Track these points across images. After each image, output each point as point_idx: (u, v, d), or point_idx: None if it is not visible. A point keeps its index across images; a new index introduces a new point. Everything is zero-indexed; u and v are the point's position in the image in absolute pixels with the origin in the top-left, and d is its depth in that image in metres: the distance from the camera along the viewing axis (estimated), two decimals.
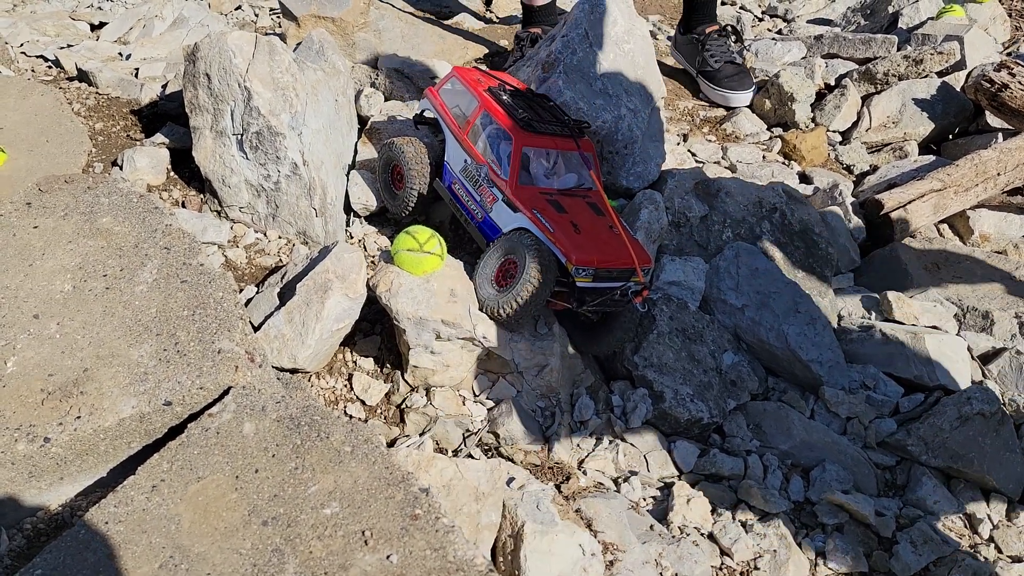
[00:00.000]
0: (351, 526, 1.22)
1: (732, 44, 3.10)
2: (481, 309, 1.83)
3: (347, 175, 2.23)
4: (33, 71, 2.61)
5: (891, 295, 2.29)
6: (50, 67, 2.66)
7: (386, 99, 2.54)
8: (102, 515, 1.21)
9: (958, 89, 3.01)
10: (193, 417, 1.38)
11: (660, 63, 2.66)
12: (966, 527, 1.87)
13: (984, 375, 2.17)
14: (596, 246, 1.78)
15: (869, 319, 2.30)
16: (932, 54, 3.01)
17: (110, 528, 1.20)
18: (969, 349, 2.19)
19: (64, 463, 1.32)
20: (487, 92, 2.01)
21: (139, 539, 1.19)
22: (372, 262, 2.07)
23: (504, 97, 1.99)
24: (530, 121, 1.91)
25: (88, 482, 1.37)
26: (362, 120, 2.44)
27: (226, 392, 1.40)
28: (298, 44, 2.36)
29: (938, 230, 2.66)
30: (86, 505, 1.35)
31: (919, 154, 2.89)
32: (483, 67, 3.13)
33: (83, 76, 2.53)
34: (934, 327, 2.26)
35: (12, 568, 1.28)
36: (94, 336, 1.45)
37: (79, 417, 1.32)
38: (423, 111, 2.16)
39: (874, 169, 2.83)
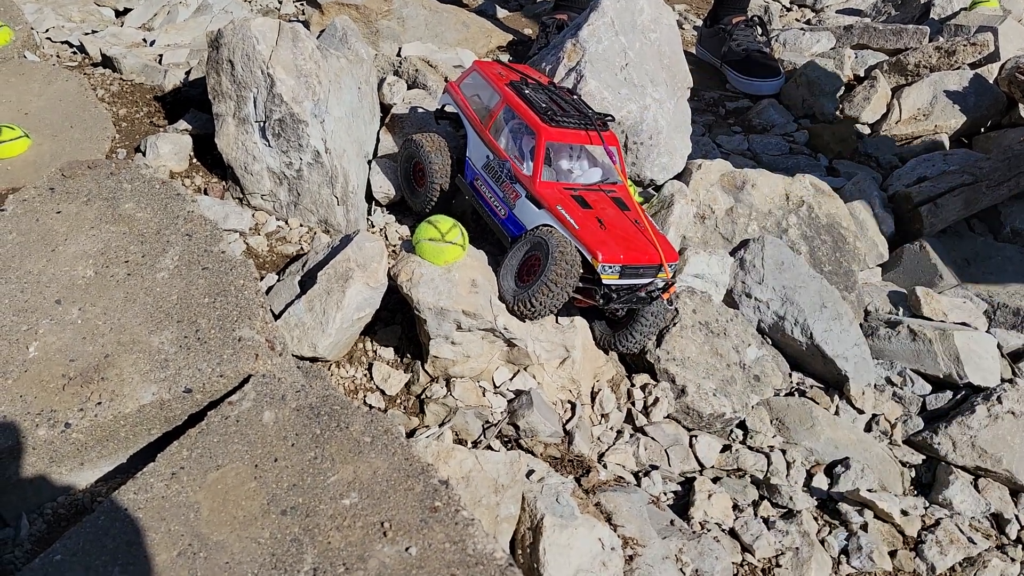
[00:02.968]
0: (370, 517, 1.21)
1: (759, 34, 3.06)
2: (508, 308, 1.81)
3: (369, 164, 2.22)
4: (58, 57, 2.61)
5: (920, 291, 2.25)
6: (75, 53, 2.66)
7: (409, 87, 2.53)
8: (121, 502, 1.21)
9: (991, 81, 2.95)
10: (213, 405, 1.37)
11: (686, 53, 2.62)
12: (993, 527, 1.83)
13: (1015, 373, 2.12)
14: (622, 242, 1.75)
15: (897, 315, 2.26)
16: (965, 45, 2.95)
17: (129, 515, 1.20)
18: (999, 346, 2.14)
19: (85, 449, 1.32)
20: (509, 86, 1.98)
21: (158, 526, 1.19)
22: (393, 251, 2.06)
23: (526, 91, 1.96)
24: (554, 115, 1.89)
25: (108, 468, 1.38)
26: (385, 108, 2.42)
27: (246, 380, 1.40)
28: (321, 31, 2.34)
29: (968, 225, 2.61)
30: (106, 491, 1.35)
31: (950, 147, 2.84)
32: (507, 56, 3.11)
33: (107, 62, 2.54)
34: (963, 324, 2.22)
35: (33, 553, 1.28)
36: (115, 322, 1.45)
37: (100, 403, 1.32)
38: (443, 106, 2.14)
39: (904, 162, 2.78)
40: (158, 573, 1.14)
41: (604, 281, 1.73)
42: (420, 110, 2.35)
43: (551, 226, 1.78)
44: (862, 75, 3.10)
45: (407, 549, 1.17)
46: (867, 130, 2.94)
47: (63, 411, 1.31)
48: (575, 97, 2.03)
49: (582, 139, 1.90)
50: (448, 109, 2.12)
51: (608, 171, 1.97)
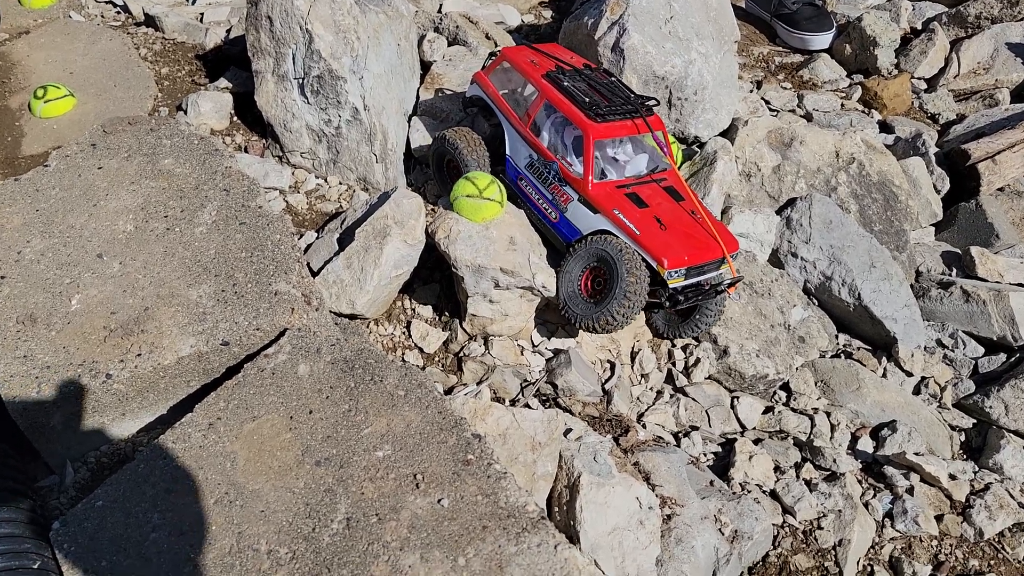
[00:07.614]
0: (403, 469, 1.21)
1: None
2: (575, 324, 1.74)
3: (409, 121, 2.20)
4: (102, 16, 2.63)
5: (974, 250, 2.17)
6: (119, 12, 2.68)
7: (449, 44, 2.50)
8: (161, 451, 1.23)
9: None
10: (250, 358, 1.38)
11: (735, 7, 2.54)
12: None
13: None
14: (685, 242, 1.69)
15: (949, 275, 2.19)
16: None
17: (168, 463, 1.21)
18: None
19: (126, 399, 1.34)
20: (546, 78, 1.88)
21: (196, 475, 1.20)
22: (432, 208, 2.04)
23: (565, 82, 1.86)
24: (598, 108, 1.78)
25: (148, 418, 1.40)
26: (425, 65, 2.40)
27: (282, 334, 1.40)
28: None
29: None
30: (146, 441, 1.37)
31: (1011, 102, 2.72)
32: (549, 12, 3.05)
33: (150, 21, 2.55)
34: (1020, 284, 2.13)
35: (76, 499, 1.31)
36: (155, 276, 1.46)
37: (140, 355, 1.34)
38: (471, 96, 2.05)
39: (961, 118, 2.68)
40: (196, 520, 1.15)
41: (671, 285, 1.70)
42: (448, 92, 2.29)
43: (612, 234, 1.72)
44: (919, 28, 2.98)
45: (439, 501, 1.17)
46: (924, 85, 2.83)
47: (104, 362, 1.33)
48: (612, 79, 1.95)
49: (629, 130, 1.81)
50: (474, 97, 2.03)
51: (655, 156, 1.90)
